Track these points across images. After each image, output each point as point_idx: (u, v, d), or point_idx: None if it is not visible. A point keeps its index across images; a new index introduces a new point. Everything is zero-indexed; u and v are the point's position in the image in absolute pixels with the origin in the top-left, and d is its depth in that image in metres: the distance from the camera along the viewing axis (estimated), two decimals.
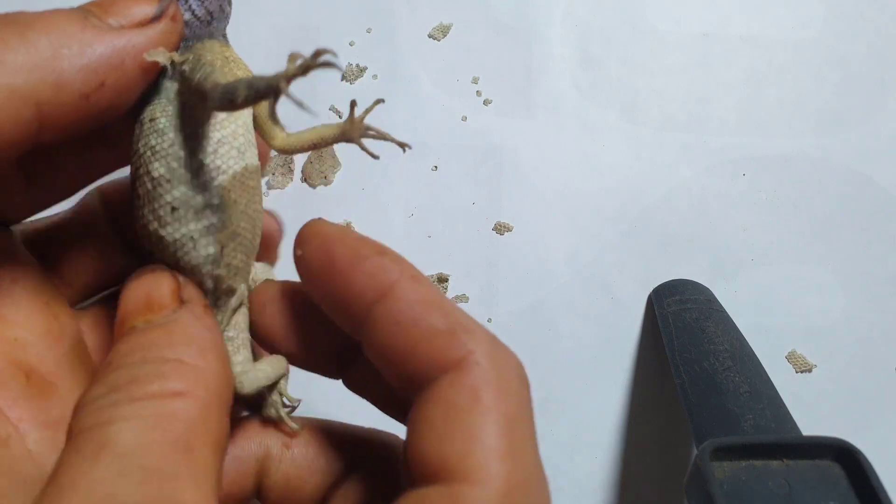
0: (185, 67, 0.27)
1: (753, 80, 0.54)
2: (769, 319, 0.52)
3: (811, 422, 0.51)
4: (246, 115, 0.28)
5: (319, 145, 0.30)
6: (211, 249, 0.27)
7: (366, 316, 0.25)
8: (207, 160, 0.27)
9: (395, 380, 0.25)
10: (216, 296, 0.28)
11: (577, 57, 0.54)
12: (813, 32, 0.55)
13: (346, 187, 0.53)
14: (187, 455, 0.21)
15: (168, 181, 0.26)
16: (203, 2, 0.28)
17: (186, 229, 0.27)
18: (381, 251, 0.26)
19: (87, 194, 0.33)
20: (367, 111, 0.29)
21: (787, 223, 0.53)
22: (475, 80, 0.54)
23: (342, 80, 0.54)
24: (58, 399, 0.28)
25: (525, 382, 0.25)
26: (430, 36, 0.54)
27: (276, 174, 0.53)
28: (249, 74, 0.28)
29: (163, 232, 0.27)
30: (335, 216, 0.52)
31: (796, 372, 0.52)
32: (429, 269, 0.53)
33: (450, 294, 0.53)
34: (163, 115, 0.27)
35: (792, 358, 0.52)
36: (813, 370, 0.52)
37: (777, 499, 0.34)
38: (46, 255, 0.31)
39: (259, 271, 0.31)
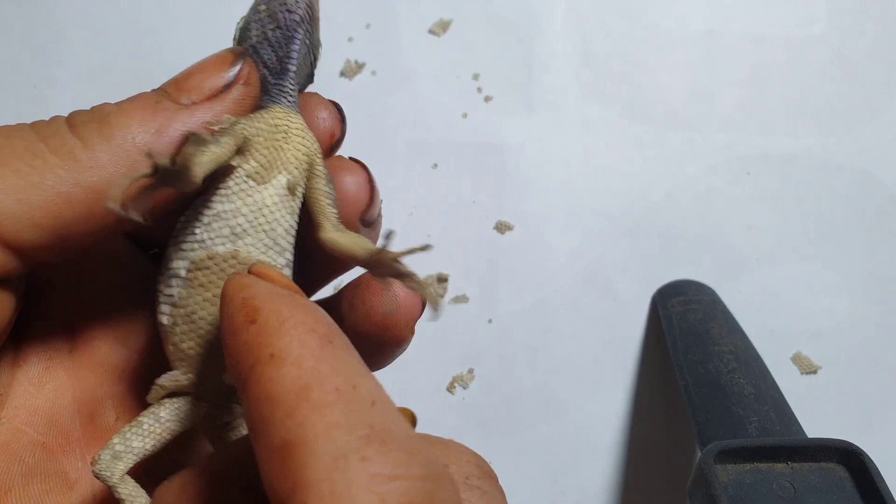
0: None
1: (758, 78, 0.54)
2: (774, 320, 0.52)
3: (816, 424, 0.50)
4: (267, 196, 0.25)
5: (348, 258, 0.27)
6: (164, 320, 0.25)
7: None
8: (197, 229, 0.25)
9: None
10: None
11: (579, 53, 0.54)
12: (817, 30, 0.54)
13: None
14: None
15: (172, 237, 0.26)
16: (274, 48, 0.27)
17: (158, 288, 0.26)
18: (251, 319, 0.21)
19: None
20: (407, 252, 0.27)
21: (792, 222, 0.53)
22: (476, 77, 0.54)
23: (341, 76, 0.54)
24: None
25: None
26: (430, 31, 0.54)
27: None
28: (301, 147, 0.26)
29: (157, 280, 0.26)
30: None
31: (801, 373, 0.52)
32: (429, 269, 0.52)
33: (450, 294, 0.52)
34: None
35: (797, 359, 0.52)
36: (818, 372, 0.52)
37: (782, 502, 0.34)
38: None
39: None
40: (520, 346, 0.52)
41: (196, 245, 0.25)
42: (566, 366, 0.52)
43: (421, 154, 0.53)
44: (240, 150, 0.25)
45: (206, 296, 0.25)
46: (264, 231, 0.25)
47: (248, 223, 0.25)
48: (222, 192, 0.25)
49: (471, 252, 0.53)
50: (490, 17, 0.54)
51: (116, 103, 0.25)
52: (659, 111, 0.54)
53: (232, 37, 0.28)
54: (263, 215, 0.25)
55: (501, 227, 0.53)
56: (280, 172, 0.26)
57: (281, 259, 0.26)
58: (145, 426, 0.25)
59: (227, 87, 0.26)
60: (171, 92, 0.25)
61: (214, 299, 0.25)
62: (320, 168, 0.27)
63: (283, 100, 0.27)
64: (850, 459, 0.35)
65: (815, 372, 0.52)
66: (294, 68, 0.27)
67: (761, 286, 0.52)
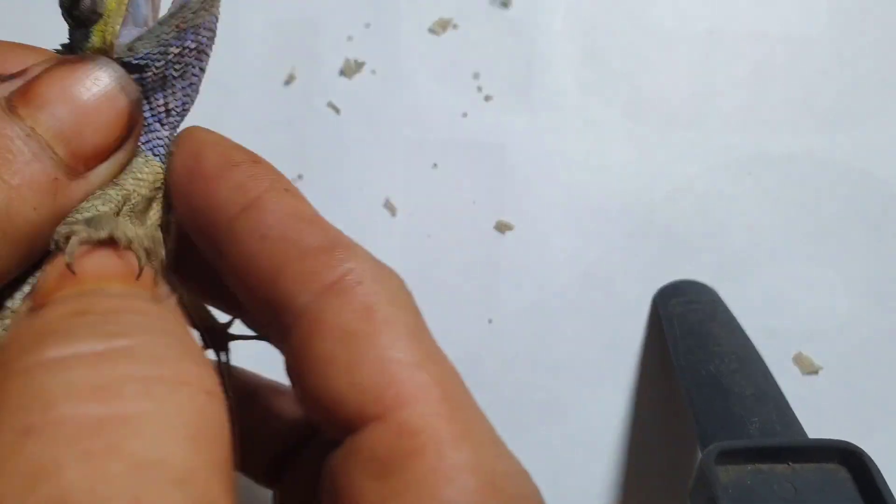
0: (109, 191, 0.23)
1: (759, 78, 0.54)
2: (775, 321, 0.52)
3: (817, 424, 0.50)
4: None
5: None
6: None
7: (228, 229, 0.22)
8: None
9: (260, 310, 0.22)
10: None
11: (580, 53, 0.54)
12: (819, 29, 0.54)
13: (345, 186, 0.53)
14: None
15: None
16: (168, 95, 0.24)
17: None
18: (255, 160, 0.23)
19: None
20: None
21: (793, 223, 0.53)
22: (476, 76, 0.54)
23: (340, 74, 0.54)
24: None
25: (411, 297, 0.23)
26: (430, 30, 0.54)
27: None
28: (164, 207, 0.24)
29: None
30: (335, 216, 0.52)
31: (802, 374, 0.51)
32: (429, 269, 0.52)
33: (451, 293, 0.52)
34: None
35: (798, 360, 0.51)
36: (819, 372, 0.51)
37: (782, 502, 0.34)
38: None
39: None
40: (520, 346, 0.52)
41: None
42: (566, 366, 0.52)
43: (421, 154, 0.53)
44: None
45: None
46: None
47: None
48: None
49: (471, 252, 0.53)
50: (490, 15, 0.54)
51: (3, 180, 0.20)
52: (660, 111, 0.54)
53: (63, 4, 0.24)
54: None
55: (501, 227, 0.53)
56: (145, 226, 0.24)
57: None
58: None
59: (120, 142, 0.23)
60: (64, 157, 0.21)
61: None
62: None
63: (162, 152, 0.24)
64: (852, 460, 0.35)
65: (816, 372, 0.51)
66: (180, 124, 0.25)
67: (762, 286, 0.52)
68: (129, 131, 0.23)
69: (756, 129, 0.54)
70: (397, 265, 0.52)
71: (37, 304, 0.19)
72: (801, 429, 0.40)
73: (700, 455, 0.37)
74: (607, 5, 0.54)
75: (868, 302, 0.52)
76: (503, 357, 0.52)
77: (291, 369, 0.22)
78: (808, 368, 0.51)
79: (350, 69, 0.53)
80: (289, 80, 0.54)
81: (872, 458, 0.34)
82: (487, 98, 0.53)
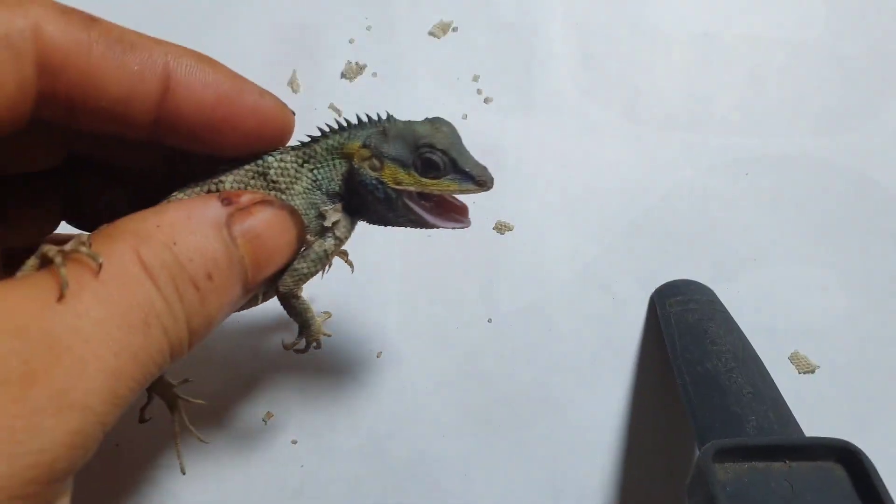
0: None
1: (755, 80, 0.54)
2: (772, 320, 0.52)
3: (814, 423, 0.50)
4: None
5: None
6: None
7: None
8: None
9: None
10: None
11: (578, 55, 0.54)
12: (814, 32, 0.54)
13: None
14: None
15: None
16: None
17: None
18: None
19: None
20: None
21: (789, 223, 0.53)
22: (476, 79, 0.54)
23: (342, 77, 0.54)
24: None
25: None
26: (430, 33, 0.54)
27: None
28: None
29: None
30: None
31: (799, 373, 0.52)
32: (428, 269, 0.52)
33: (445, 297, 0.52)
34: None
35: (795, 359, 0.51)
36: (816, 371, 0.51)
37: (779, 500, 0.34)
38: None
39: None
40: (519, 345, 0.52)
41: None
42: (565, 365, 0.52)
43: None
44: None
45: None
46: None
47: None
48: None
49: (471, 252, 0.53)
50: (490, 19, 0.54)
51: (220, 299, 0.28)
52: (657, 113, 0.54)
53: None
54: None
55: (501, 227, 0.53)
56: None
57: None
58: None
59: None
60: (250, 282, 0.29)
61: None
62: None
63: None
64: (848, 458, 0.35)
65: (812, 371, 0.51)
66: None
67: (759, 286, 0.52)
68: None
69: (753, 130, 0.54)
70: (397, 265, 0.52)
71: None
72: (798, 427, 0.40)
73: (698, 453, 0.37)
74: (605, 8, 0.54)
75: (864, 301, 0.52)
76: (503, 356, 0.52)
77: None
78: (805, 367, 0.51)
79: (351, 72, 0.53)
80: (291, 83, 0.54)
81: (868, 455, 0.34)
82: (487, 100, 0.54)
